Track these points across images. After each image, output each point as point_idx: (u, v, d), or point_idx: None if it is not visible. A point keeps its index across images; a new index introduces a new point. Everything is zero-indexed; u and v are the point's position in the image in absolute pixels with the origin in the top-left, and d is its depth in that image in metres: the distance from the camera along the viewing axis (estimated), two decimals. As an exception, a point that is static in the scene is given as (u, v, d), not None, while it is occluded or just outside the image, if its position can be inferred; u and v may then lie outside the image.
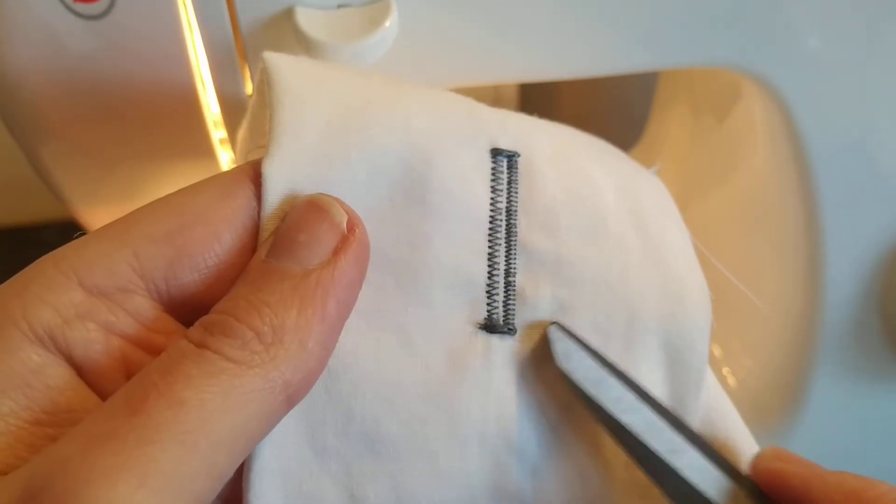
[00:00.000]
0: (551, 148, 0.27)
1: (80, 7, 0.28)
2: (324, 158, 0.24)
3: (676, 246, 0.27)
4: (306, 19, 0.28)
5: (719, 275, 0.45)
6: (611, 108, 0.63)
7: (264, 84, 0.24)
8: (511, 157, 0.26)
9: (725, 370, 0.43)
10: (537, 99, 0.61)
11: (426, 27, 0.30)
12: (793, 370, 0.40)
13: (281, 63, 0.25)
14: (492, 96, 0.57)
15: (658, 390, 0.26)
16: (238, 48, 0.30)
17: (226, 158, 0.34)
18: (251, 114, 0.27)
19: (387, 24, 0.28)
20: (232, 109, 0.31)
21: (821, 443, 0.41)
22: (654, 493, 0.25)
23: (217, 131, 0.33)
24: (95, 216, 0.37)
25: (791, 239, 0.38)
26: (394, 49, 0.29)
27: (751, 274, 0.43)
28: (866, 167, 0.34)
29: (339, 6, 0.29)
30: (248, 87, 0.31)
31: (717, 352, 0.44)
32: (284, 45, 0.29)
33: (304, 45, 0.28)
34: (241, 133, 0.28)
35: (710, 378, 0.27)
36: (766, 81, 0.32)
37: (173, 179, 0.35)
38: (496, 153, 0.26)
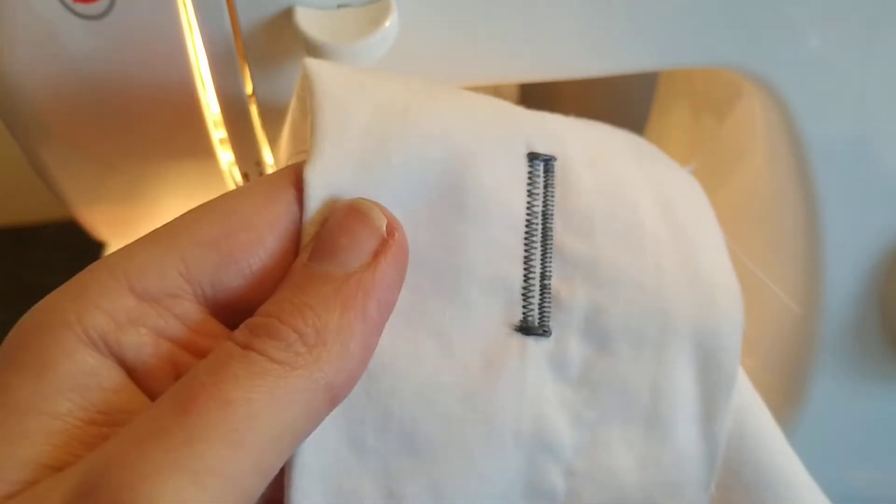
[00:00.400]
0: (588, 151, 0.27)
1: (80, 7, 0.28)
2: (363, 164, 0.24)
3: (710, 248, 0.28)
4: (306, 19, 0.28)
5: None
6: (611, 108, 0.63)
7: (305, 91, 0.25)
8: (548, 161, 0.26)
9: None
10: (537, 98, 0.61)
11: (426, 27, 0.30)
12: (793, 369, 0.40)
13: (321, 70, 0.25)
14: (492, 95, 0.57)
15: (690, 391, 0.26)
16: (238, 48, 0.30)
17: (227, 158, 0.34)
18: (291, 120, 0.28)
19: (387, 24, 0.28)
20: (232, 109, 0.31)
21: (822, 442, 0.41)
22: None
23: (217, 131, 0.33)
24: (95, 216, 0.37)
25: (791, 238, 0.38)
26: (394, 49, 0.29)
27: (752, 273, 0.43)
28: (866, 167, 0.34)
29: (339, 6, 0.29)
30: (248, 87, 0.31)
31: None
32: (284, 45, 0.29)
33: (304, 45, 0.28)
34: (283, 139, 0.29)
35: (742, 379, 0.28)
36: (766, 82, 0.32)
37: (173, 179, 0.35)
38: (533, 157, 0.26)
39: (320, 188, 0.24)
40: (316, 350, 0.21)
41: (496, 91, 0.56)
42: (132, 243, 0.23)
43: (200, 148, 0.33)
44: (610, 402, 0.26)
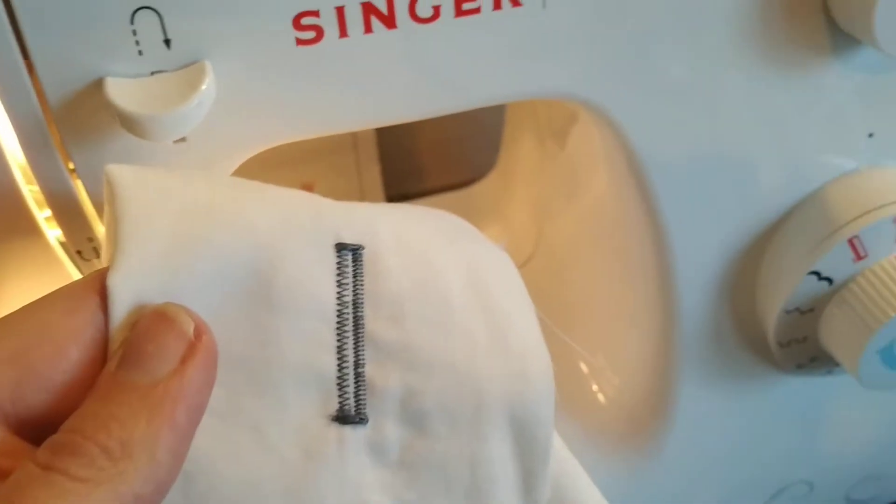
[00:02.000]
0: (398, 238, 0.28)
1: None
2: (169, 267, 0.24)
3: (521, 323, 0.29)
4: (117, 90, 0.27)
5: (582, 290, 0.46)
6: (468, 134, 0.64)
7: (109, 196, 0.25)
8: (356, 251, 0.27)
9: (595, 387, 0.44)
10: (396, 129, 0.61)
11: (246, 85, 0.29)
12: (658, 382, 0.41)
13: (123, 175, 0.25)
14: (349, 132, 0.57)
15: (508, 464, 0.27)
16: (49, 124, 0.28)
17: (54, 235, 0.33)
18: (105, 223, 0.27)
19: (203, 86, 0.27)
20: (53, 187, 0.30)
21: (694, 450, 0.42)
22: None
23: (42, 211, 0.32)
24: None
25: (640, 253, 0.39)
26: (215, 112, 0.28)
27: (606, 289, 0.43)
28: (703, 180, 0.35)
29: (153, 73, 0.28)
30: (69, 164, 0.30)
31: (585, 368, 0.44)
32: (100, 118, 0.28)
33: (117, 117, 0.27)
34: (103, 241, 0.28)
35: (558, 445, 0.29)
36: (598, 108, 0.33)
37: (3, 262, 0.33)
38: (341, 248, 0.27)
39: (126, 294, 0.23)
40: (121, 463, 0.21)
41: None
42: None
43: (24, 228, 0.31)
44: (430, 482, 0.26)
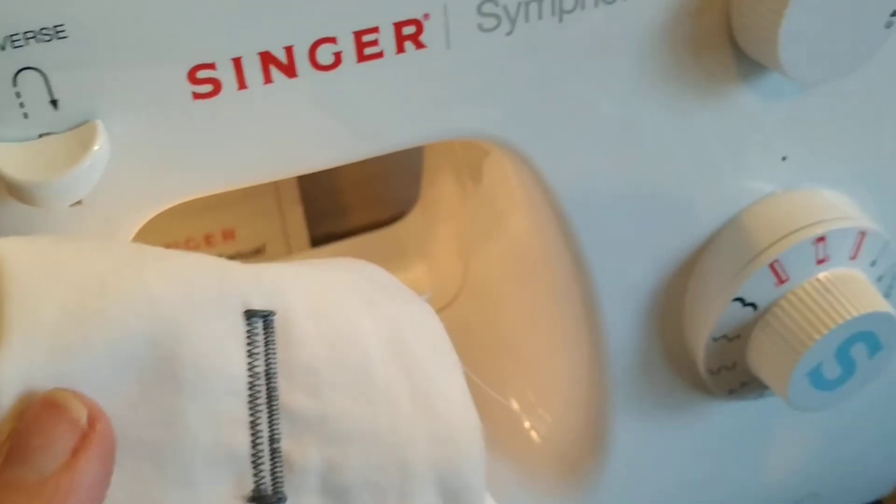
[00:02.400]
0: (312, 301, 0.26)
1: None
2: (60, 349, 0.22)
3: (446, 384, 0.27)
4: (3, 156, 0.26)
5: (509, 326, 0.45)
6: (390, 171, 0.63)
7: None
8: (267, 317, 0.25)
9: (527, 424, 0.43)
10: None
11: (144, 143, 0.28)
12: (592, 417, 0.40)
13: (9, 249, 0.24)
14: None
15: None
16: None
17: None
18: None
19: (95, 147, 0.26)
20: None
21: (633, 484, 0.42)
22: None
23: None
24: None
25: (565, 286, 0.38)
26: (112, 172, 0.27)
27: (534, 323, 0.43)
28: (622, 212, 0.35)
29: (41, 135, 0.27)
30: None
31: (515, 405, 0.43)
32: (-14, 186, 0.27)
33: (4, 186, 0.26)
34: None
35: None
36: (511, 146, 0.32)
37: None
38: (250, 315, 0.25)
39: (13, 382, 0.22)
40: None
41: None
42: None
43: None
44: None
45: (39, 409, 0.22)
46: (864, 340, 0.36)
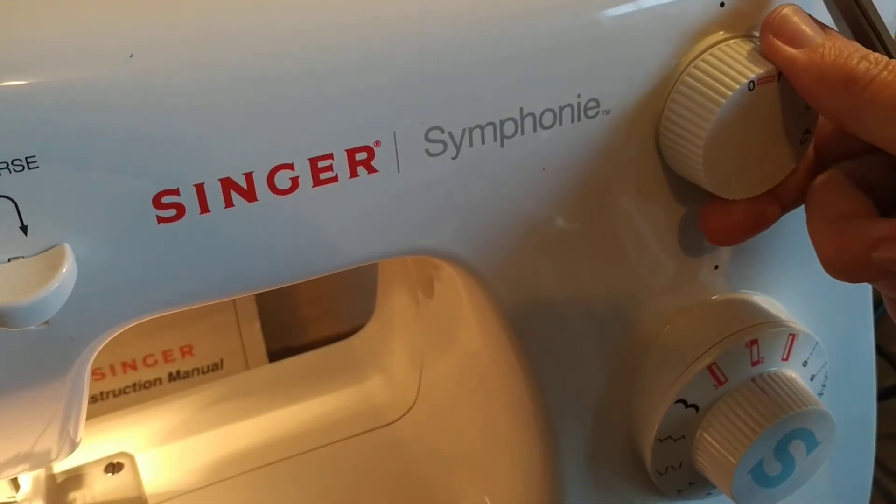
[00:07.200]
0: None
1: None
2: None
3: None
4: (-28, 284, 0.27)
5: (464, 434, 0.46)
6: (346, 286, 0.65)
7: None
8: None
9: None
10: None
11: (110, 265, 0.29)
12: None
13: None
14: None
15: None
16: None
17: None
18: None
19: (63, 269, 0.27)
20: None
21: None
22: None
23: None
24: None
25: (516, 395, 0.39)
26: (78, 293, 0.28)
27: (488, 431, 0.44)
28: (566, 323, 0.37)
29: (10, 259, 0.28)
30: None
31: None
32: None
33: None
34: None
35: None
36: (460, 262, 0.34)
37: None
38: None
39: None
40: None
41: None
42: None
43: None
44: None
45: None
46: (801, 437, 0.38)
